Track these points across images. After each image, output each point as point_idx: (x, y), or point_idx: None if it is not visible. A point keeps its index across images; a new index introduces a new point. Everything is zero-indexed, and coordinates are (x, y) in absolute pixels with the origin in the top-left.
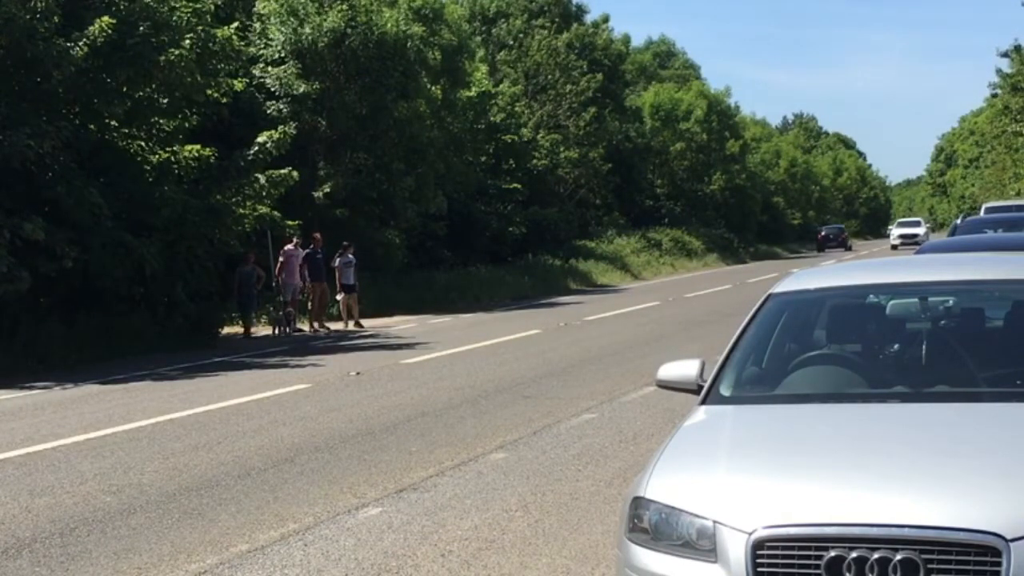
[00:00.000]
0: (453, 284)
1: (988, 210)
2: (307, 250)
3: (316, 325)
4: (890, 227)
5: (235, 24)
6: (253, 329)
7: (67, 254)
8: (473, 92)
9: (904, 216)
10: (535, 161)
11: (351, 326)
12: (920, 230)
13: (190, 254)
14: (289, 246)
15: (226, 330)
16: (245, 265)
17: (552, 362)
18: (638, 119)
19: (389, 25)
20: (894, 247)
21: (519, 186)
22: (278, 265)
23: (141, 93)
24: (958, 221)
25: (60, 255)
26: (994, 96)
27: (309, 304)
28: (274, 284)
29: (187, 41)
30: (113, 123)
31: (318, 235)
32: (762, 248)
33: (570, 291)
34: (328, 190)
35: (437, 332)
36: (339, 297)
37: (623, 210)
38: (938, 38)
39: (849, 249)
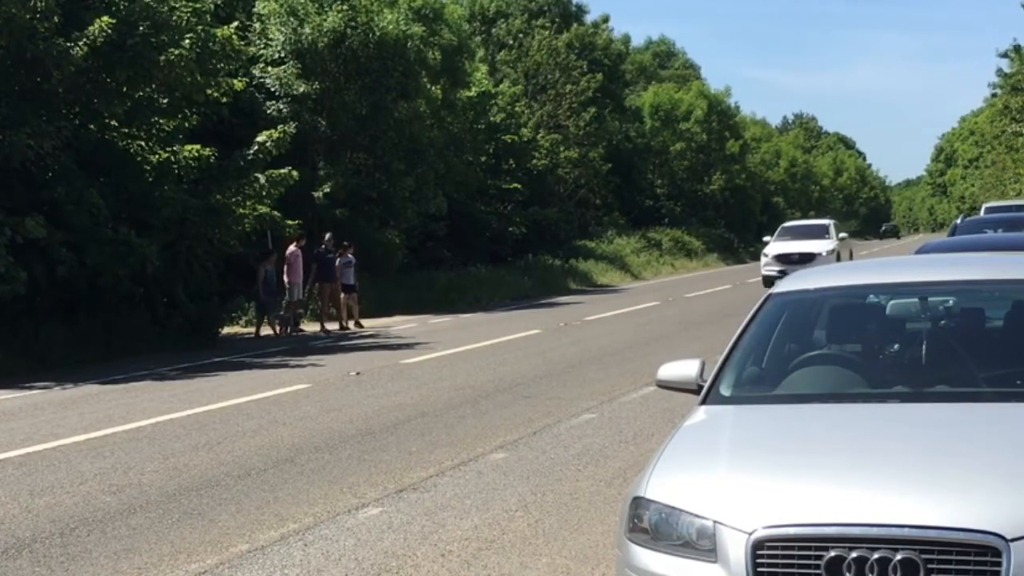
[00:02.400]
0: (453, 284)
1: (988, 210)
2: (318, 250)
3: (325, 326)
4: (766, 239)
5: (235, 24)
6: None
7: (64, 259)
8: (473, 92)
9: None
10: (535, 161)
11: (351, 326)
12: (822, 246)
13: (190, 254)
14: (292, 246)
15: (226, 330)
16: (267, 264)
17: (552, 362)
18: (638, 119)
19: (390, 26)
20: (767, 280)
21: (519, 186)
22: (284, 266)
23: (141, 93)
24: (958, 221)
25: (57, 259)
26: (994, 96)
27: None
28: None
29: (187, 41)
30: (113, 123)
31: (329, 235)
32: (762, 248)
33: (570, 291)
34: (328, 190)
35: (437, 332)
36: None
37: (623, 210)
38: (938, 38)
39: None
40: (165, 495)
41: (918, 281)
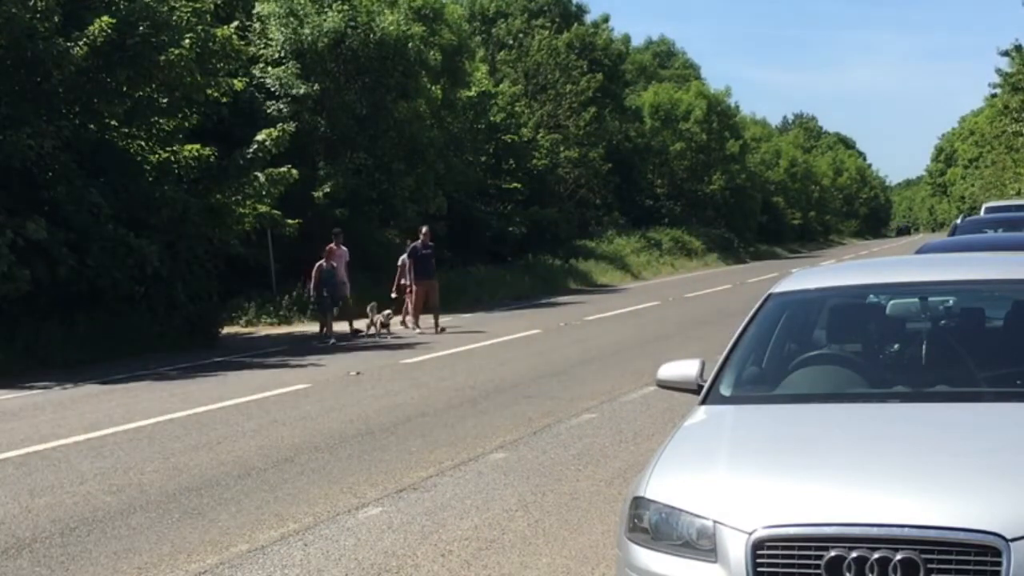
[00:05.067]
0: (453, 284)
1: (988, 210)
2: (413, 244)
3: (414, 324)
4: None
5: (235, 24)
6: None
7: (65, 259)
8: (473, 92)
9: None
10: (535, 161)
11: (410, 325)
12: None
13: (190, 254)
14: (332, 246)
15: (226, 330)
16: (325, 262)
17: (552, 362)
18: (638, 119)
19: (391, 27)
20: None
21: (519, 186)
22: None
23: (141, 93)
24: (958, 221)
25: (58, 259)
26: (994, 96)
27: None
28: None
29: (187, 41)
30: (113, 123)
31: (426, 229)
32: (762, 248)
33: (570, 291)
34: (328, 190)
35: (437, 332)
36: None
37: (623, 210)
38: (938, 38)
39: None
40: (165, 495)
41: (918, 281)
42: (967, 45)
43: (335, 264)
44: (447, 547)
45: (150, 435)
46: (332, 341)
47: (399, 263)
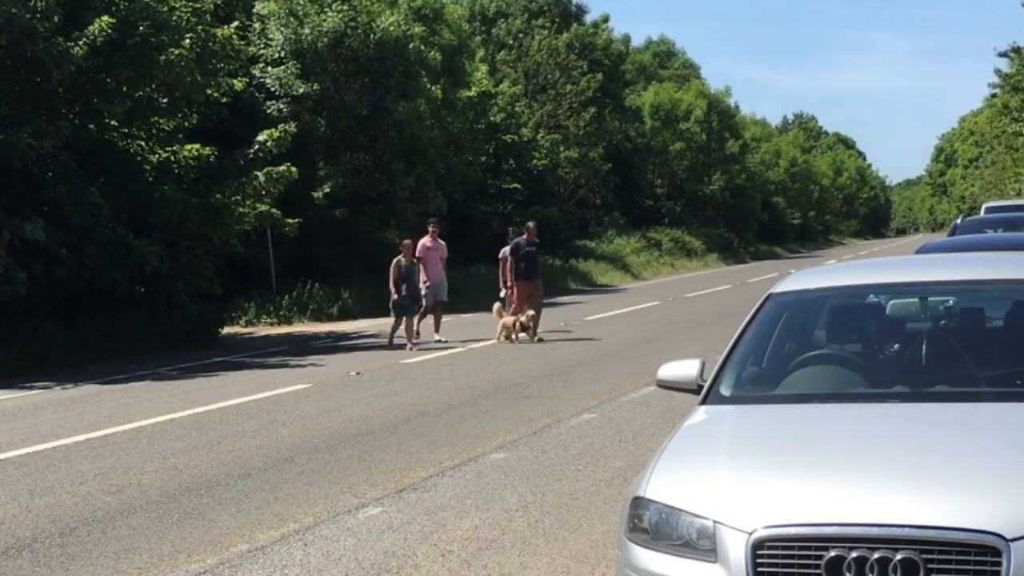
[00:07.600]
0: (453, 284)
1: (988, 210)
2: (516, 239)
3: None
4: None
5: (235, 24)
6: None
7: (63, 259)
8: (473, 92)
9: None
10: (535, 161)
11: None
12: None
13: (190, 254)
14: (427, 239)
15: (226, 330)
16: (404, 258)
17: (552, 362)
18: (638, 119)
19: (391, 27)
20: None
21: (519, 186)
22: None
23: (141, 93)
24: (958, 221)
25: (56, 259)
26: (994, 96)
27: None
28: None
29: (187, 41)
30: (113, 123)
31: (532, 224)
32: (762, 248)
33: (570, 291)
34: (328, 190)
35: None
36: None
37: (623, 210)
38: (938, 38)
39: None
40: (165, 495)
41: (918, 281)
42: (967, 45)
43: (416, 260)
44: (447, 547)
45: (150, 435)
46: (409, 347)
47: (500, 257)
